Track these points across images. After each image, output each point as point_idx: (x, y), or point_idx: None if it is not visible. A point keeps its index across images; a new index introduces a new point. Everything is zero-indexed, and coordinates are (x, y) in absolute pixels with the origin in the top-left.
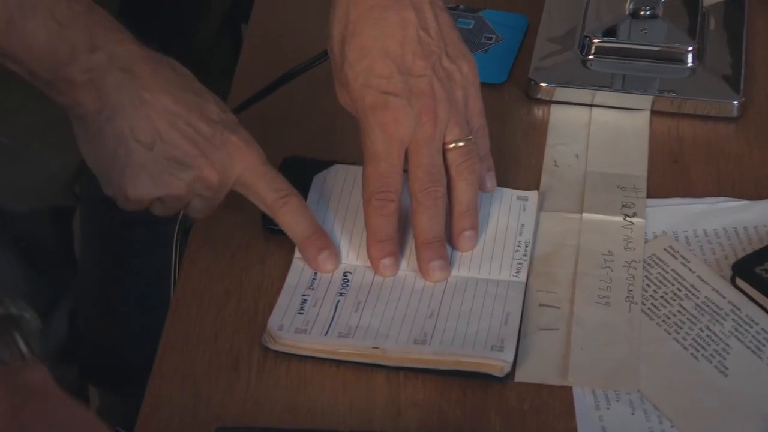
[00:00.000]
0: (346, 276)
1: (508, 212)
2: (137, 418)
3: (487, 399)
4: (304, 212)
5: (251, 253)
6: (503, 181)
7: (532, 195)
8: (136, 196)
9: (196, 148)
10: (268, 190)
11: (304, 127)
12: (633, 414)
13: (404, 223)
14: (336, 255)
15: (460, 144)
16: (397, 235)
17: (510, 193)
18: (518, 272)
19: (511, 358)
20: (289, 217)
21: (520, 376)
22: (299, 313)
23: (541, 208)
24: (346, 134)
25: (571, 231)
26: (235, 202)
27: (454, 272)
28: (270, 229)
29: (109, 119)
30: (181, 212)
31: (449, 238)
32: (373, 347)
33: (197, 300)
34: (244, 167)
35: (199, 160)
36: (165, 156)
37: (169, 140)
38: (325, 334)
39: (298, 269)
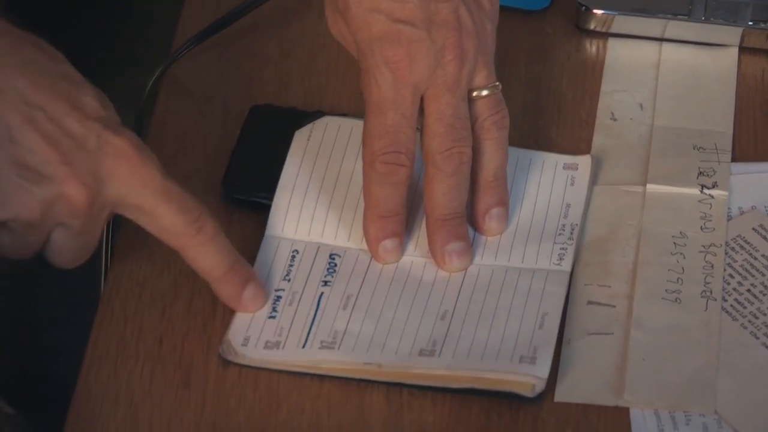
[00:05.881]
0: (332, 259)
1: (551, 187)
2: None
3: (517, 424)
4: (222, 238)
5: None
6: (544, 143)
7: (583, 162)
8: None
9: (58, 153)
10: (176, 214)
11: (277, 66)
12: None
13: (411, 194)
14: (263, 290)
15: (484, 93)
16: (404, 210)
17: (553, 160)
18: (561, 260)
19: (545, 374)
20: (208, 248)
21: (561, 395)
22: (270, 317)
23: (593, 180)
24: (335, 75)
25: (631, 208)
26: (185, 163)
27: (477, 260)
28: (234, 199)
29: None
30: None
31: (470, 218)
32: (366, 363)
33: (135, 295)
34: (135, 183)
35: (61, 169)
36: (15, 161)
37: (22, 141)
38: (303, 346)
39: (271, 250)
